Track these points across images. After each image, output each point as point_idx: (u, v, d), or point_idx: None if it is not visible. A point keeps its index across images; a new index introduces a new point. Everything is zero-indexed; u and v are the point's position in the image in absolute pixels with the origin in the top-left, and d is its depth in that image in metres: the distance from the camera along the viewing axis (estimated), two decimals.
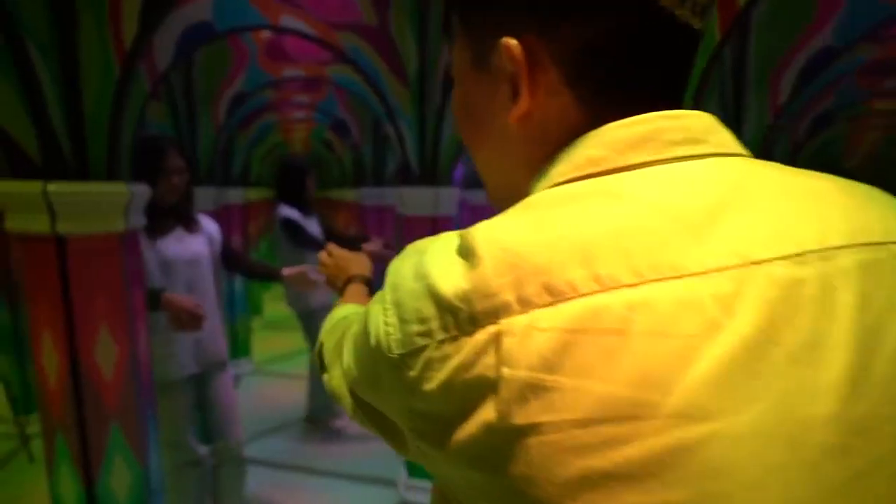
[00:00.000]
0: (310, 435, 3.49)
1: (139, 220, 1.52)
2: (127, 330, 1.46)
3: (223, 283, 4.53)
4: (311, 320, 2.91)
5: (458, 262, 0.32)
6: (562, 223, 0.32)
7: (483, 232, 0.32)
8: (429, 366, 0.31)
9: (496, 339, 0.29)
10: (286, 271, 1.99)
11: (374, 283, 0.90)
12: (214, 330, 1.88)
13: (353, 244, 1.91)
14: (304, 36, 2.23)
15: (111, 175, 1.41)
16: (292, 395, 4.20)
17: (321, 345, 0.69)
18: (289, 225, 2.70)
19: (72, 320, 1.39)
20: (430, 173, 2.50)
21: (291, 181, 2.75)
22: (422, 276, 0.33)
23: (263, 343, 5.64)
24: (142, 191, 1.48)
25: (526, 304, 0.29)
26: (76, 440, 1.47)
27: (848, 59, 2.18)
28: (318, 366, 0.69)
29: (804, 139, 3.68)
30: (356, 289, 0.92)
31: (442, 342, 0.31)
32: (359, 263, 0.98)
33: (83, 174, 1.35)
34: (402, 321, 0.33)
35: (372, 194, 4.21)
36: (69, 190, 1.32)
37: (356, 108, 3.94)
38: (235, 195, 4.54)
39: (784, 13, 2.11)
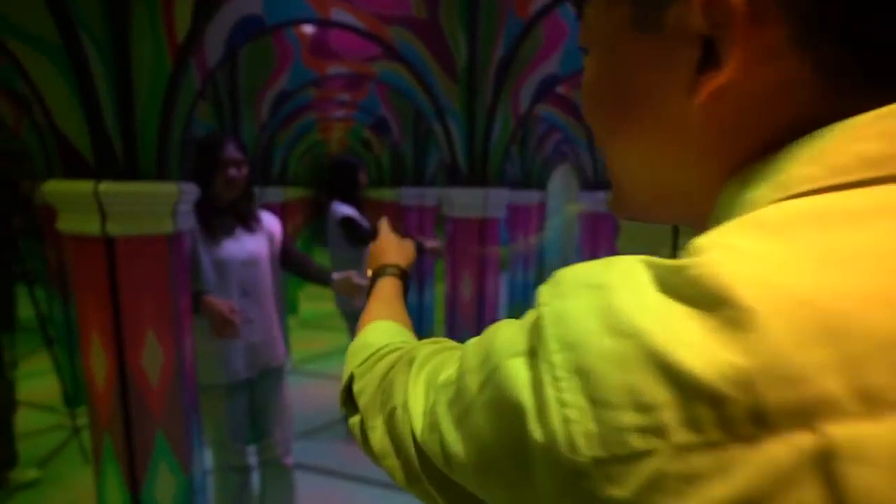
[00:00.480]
0: (349, 438, 3.43)
1: (187, 222, 1.47)
2: (173, 335, 1.41)
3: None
4: (356, 322, 2.84)
5: (693, 315, 0.20)
6: (868, 260, 0.20)
7: (729, 266, 0.21)
8: (657, 485, 0.19)
9: (821, 459, 0.17)
10: (335, 275, 1.91)
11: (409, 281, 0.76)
12: (270, 334, 1.81)
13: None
14: (354, 30, 2.15)
15: (161, 175, 1.36)
16: (329, 395, 4.18)
17: (351, 380, 0.53)
18: (348, 223, 2.62)
19: (119, 323, 1.35)
20: (479, 173, 2.39)
21: (344, 178, 2.66)
22: (629, 332, 0.21)
23: (299, 342, 5.67)
24: (190, 190, 1.43)
25: (872, 403, 0.17)
26: (122, 444, 1.43)
27: None
28: (344, 405, 0.55)
29: None
30: (389, 286, 0.74)
31: (687, 449, 0.19)
32: (400, 252, 0.82)
33: (133, 174, 1.31)
34: (599, 404, 0.21)
35: (411, 194, 4.14)
36: (120, 190, 1.28)
37: (397, 105, 3.87)
38: (274, 194, 4.55)
39: None
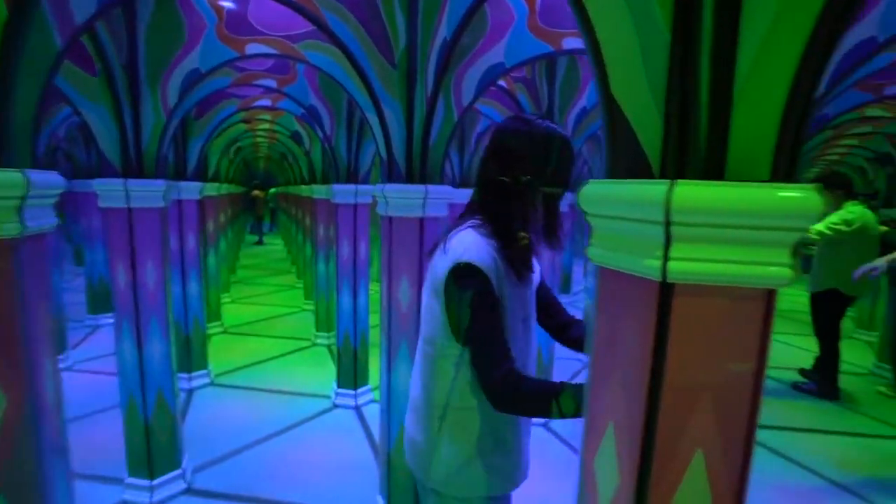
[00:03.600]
0: (278, 459, 3.11)
1: (40, 222, 1.14)
2: (21, 370, 1.09)
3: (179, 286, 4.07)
4: None
5: None
6: None
7: None
8: None
9: None
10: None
11: None
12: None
13: None
14: (281, 1, 1.87)
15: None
16: (255, 411, 3.80)
17: None
18: None
19: None
20: (418, 169, 2.18)
21: None
22: None
23: (221, 352, 5.18)
24: (48, 183, 1.10)
25: None
26: None
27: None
28: None
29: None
30: None
31: None
32: None
33: None
34: None
35: (345, 192, 3.85)
36: None
37: (329, 93, 3.57)
38: (191, 190, 4.08)
39: None
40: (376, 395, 4.13)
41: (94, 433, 3.35)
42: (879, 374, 4.90)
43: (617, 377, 0.82)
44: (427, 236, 2.22)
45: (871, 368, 5.07)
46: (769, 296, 0.71)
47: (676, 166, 0.71)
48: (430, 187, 2.17)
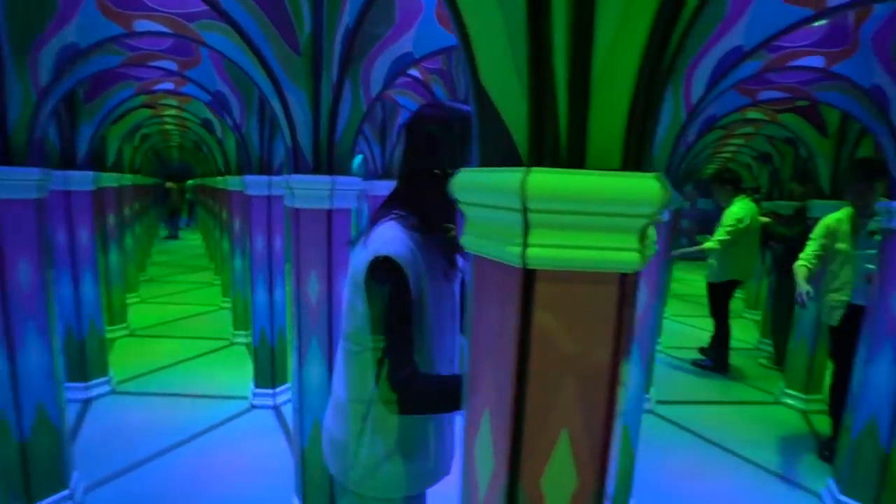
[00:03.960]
0: (189, 467, 2.91)
1: None
2: None
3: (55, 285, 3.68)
4: None
5: None
6: None
7: None
8: None
9: None
10: None
11: None
12: None
13: None
14: None
15: None
16: (160, 418, 3.54)
17: None
18: None
19: None
20: (325, 159, 2.11)
21: None
22: None
23: (127, 356, 4.77)
24: None
25: None
26: None
27: (750, 62, 2.22)
28: None
29: (693, 142, 3.85)
30: None
31: None
32: None
33: None
34: None
35: (258, 183, 3.66)
36: None
37: (238, 79, 3.37)
38: (82, 180, 3.70)
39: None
40: None
41: None
42: (763, 348, 5.48)
43: (489, 364, 0.84)
44: (336, 228, 2.16)
45: (756, 344, 5.66)
46: (623, 280, 0.75)
47: (538, 155, 0.72)
48: (338, 178, 2.11)
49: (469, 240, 0.84)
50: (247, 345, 5.23)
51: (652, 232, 0.80)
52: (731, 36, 1.87)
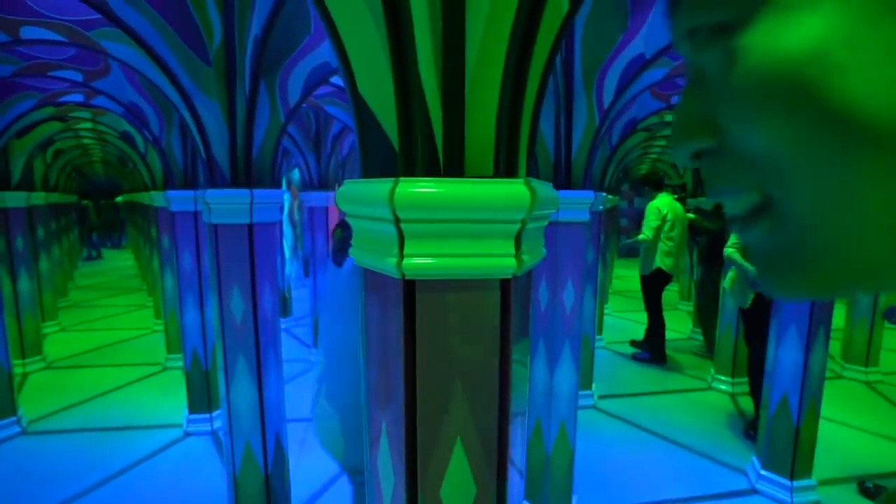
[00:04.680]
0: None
1: None
2: None
3: None
4: None
5: None
6: None
7: None
8: None
9: None
10: None
11: None
12: None
13: None
14: None
15: None
16: (80, 456, 3.27)
17: None
18: None
19: None
20: (243, 172, 2.04)
21: None
22: None
23: (42, 393, 4.39)
24: None
25: None
26: None
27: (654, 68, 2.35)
28: None
29: (617, 144, 4.03)
30: None
31: None
32: None
33: None
34: None
35: (183, 198, 3.49)
36: None
37: (154, 89, 3.20)
38: None
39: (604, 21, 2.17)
40: None
41: None
42: (695, 338, 5.80)
43: (381, 376, 0.83)
44: (258, 243, 2.08)
45: (689, 334, 5.99)
46: (504, 285, 0.76)
47: (409, 164, 0.72)
48: (257, 191, 2.04)
49: (356, 252, 0.83)
50: (181, 368, 4.95)
51: (534, 236, 0.82)
52: (635, 44, 1.98)
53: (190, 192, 3.51)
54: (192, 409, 3.69)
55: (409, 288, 0.73)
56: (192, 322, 3.61)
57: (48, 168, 6.28)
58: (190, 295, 3.59)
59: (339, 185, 0.83)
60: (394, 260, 0.71)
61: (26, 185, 4.85)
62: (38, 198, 5.39)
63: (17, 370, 4.63)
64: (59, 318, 6.77)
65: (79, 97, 3.45)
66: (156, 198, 4.80)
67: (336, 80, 3.14)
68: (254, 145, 2.05)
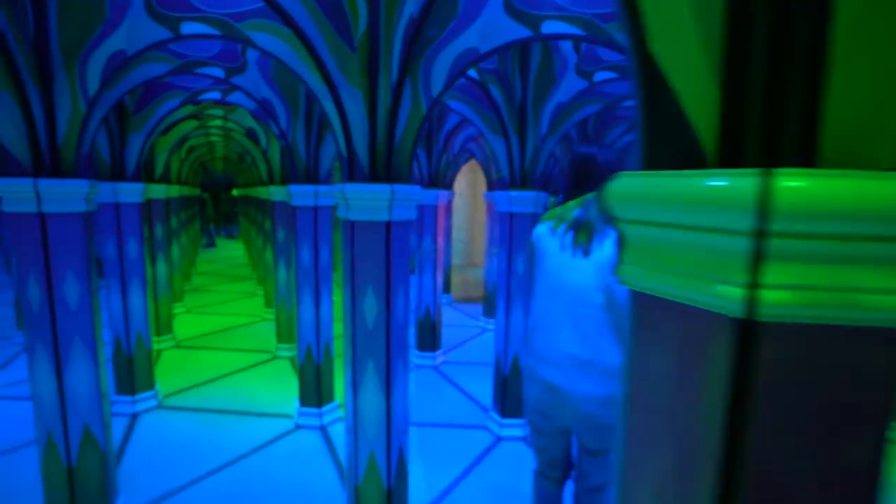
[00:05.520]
0: (223, 494, 2.76)
1: None
2: None
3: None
4: None
5: None
6: None
7: None
8: None
9: None
10: None
11: None
12: None
13: None
14: None
15: None
16: (209, 439, 3.43)
17: None
18: None
19: None
20: (384, 167, 1.92)
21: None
22: None
23: (173, 370, 4.74)
24: None
25: None
26: None
27: None
28: None
29: None
30: None
31: None
32: None
33: None
34: None
35: (304, 193, 3.53)
36: None
37: (284, 84, 3.25)
38: (131, 192, 3.67)
39: None
40: (343, 411, 3.83)
41: (18, 473, 2.92)
42: None
43: (658, 455, 0.59)
44: (395, 243, 1.95)
45: None
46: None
47: (771, 150, 0.47)
48: (398, 187, 1.90)
49: (632, 271, 0.60)
50: (290, 359, 5.13)
51: None
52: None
53: (311, 187, 3.55)
54: (303, 402, 3.74)
55: (748, 332, 0.48)
56: (307, 317, 3.65)
57: (182, 163, 6.86)
58: (307, 289, 3.63)
59: (611, 181, 0.58)
60: (735, 291, 0.47)
61: (165, 178, 5.29)
62: (174, 190, 5.87)
63: (154, 346, 5.07)
64: (185, 300, 7.40)
65: (216, 95, 3.61)
66: (274, 192, 4.99)
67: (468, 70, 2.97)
68: (395, 138, 1.92)
